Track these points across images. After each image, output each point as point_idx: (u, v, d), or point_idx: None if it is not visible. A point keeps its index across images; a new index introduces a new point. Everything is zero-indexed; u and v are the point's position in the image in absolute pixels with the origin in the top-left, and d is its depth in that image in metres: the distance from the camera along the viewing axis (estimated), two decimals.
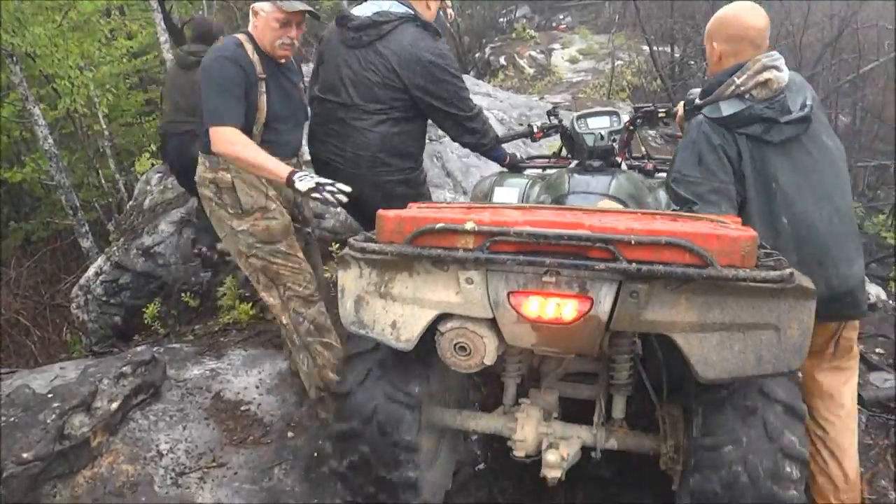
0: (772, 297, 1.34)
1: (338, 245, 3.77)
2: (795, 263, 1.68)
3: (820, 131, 1.91)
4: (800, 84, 1.91)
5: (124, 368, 2.67)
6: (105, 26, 7.39)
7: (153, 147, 6.70)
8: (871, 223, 6.36)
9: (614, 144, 2.52)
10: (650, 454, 1.81)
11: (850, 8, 6.22)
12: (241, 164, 2.24)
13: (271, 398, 2.85)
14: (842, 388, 2.00)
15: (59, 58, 6.15)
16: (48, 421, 2.33)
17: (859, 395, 2.44)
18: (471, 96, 2.60)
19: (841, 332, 1.97)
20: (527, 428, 1.81)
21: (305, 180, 2.07)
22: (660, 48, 8.36)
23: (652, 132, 6.79)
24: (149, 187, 5.20)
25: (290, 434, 2.66)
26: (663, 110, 2.64)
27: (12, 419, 2.31)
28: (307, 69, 2.81)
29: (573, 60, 11.14)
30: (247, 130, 2.27)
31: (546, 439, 1.80)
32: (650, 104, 2.87)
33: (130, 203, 5.36)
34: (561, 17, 13.97)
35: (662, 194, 2.43)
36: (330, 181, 2.09)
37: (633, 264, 1.34)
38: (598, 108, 2.65)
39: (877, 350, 3.22)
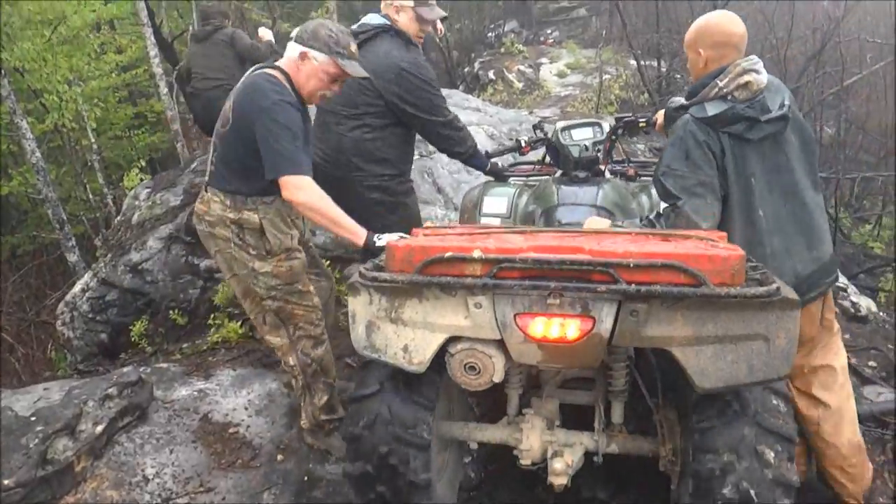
0: (760, 309, 1.44)
1: (329, 262, 3.74)
2: (769, 254, 1.97)
3: (794, 129, 2.05)
4: (777, 85, 2.04)
5: (110, 390, 2.62)
6: (95, 41, 7.35)
7: (142, 162, 6.65)
8: (857, 233, 6.43)
9: (598, 154, 2.61)
10: (650, 456, 1.87)
11: (833, 21, 6.32)
12: (315, 218, 2.13)
13: (260, 420, 2.80)
14: (833, 360, 2.16)
15: (48, 73, 6.13)
16: (31, 445, 2.27)
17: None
18: (446, 104, 2.70)
19: (823, 314, 2.13)
20: (532, 437, 1.89)
21: (383, 240, 2.01)
22: (647, 62, 8.44)
23: (641, 146, 6.84)
24: (137, 202, 5.14)
25: (279, 457, 2.61)
26: (643, 120, 2.76)
27: None
28: None
29: (561, 75, 11.21)
30: None
31: (551, 447, 1.87)
32: (631, 114, 3.00)
33: (118, 218, 5.28)
34: (549, 31, 14.08)
35: (645, 199, 2.62)
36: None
37: (633, 286, 1.43)
38: (581, 120, 2.75)
39: (869, 363, 3.20)
